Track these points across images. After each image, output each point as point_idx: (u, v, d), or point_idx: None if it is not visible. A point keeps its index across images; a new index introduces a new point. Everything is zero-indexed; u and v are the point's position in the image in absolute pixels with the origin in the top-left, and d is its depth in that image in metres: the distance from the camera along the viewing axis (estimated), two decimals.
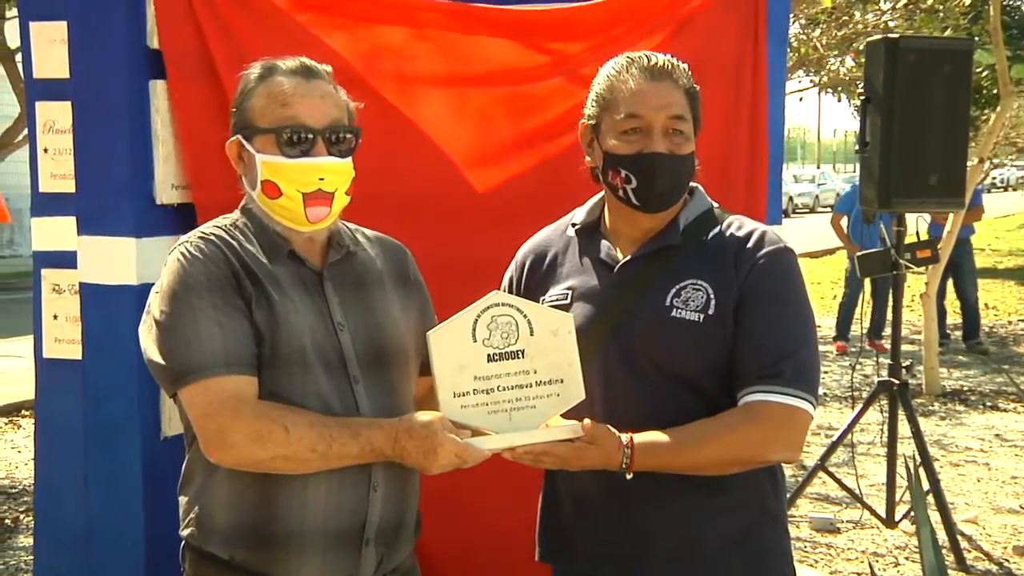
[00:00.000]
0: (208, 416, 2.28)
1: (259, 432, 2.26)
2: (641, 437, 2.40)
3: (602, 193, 2.68)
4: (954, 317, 12.77)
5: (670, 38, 3.49)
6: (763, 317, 2.46)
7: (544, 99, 3.59)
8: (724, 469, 2.46)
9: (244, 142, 2.46)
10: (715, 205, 2.65)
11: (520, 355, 2.36)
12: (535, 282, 2.71)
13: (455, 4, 3.73)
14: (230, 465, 2.33)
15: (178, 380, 2.31)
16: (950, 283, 12.11)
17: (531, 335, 2.37)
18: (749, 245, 2.53)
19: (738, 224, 2.60)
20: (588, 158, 2.64)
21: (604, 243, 2.64)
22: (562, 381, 2.39)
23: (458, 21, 3.62)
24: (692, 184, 2.63)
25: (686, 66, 2.57)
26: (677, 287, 2.50)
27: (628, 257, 2.59)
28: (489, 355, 2.35)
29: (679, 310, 2.48)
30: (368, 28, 3.55)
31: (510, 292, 2.68)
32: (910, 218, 6.51)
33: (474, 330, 2.34)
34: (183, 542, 2.49)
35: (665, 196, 2.54)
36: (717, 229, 2.58)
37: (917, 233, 7.19)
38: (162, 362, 2.32)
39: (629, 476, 2.39)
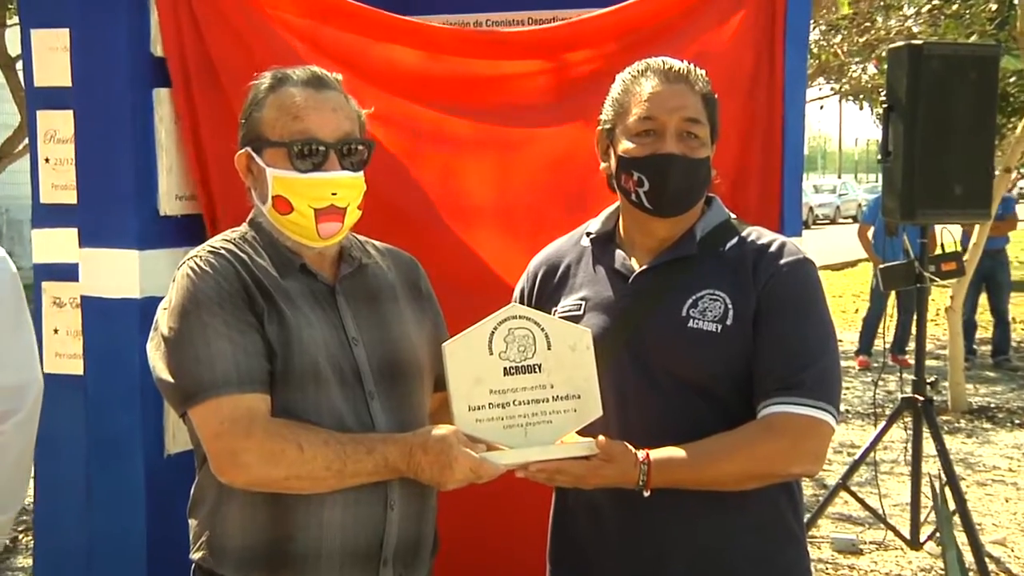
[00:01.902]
0: (220, 436, 2.29)
1: (272, 451, 2.27)
2: (658, 453, 2.41)
3: (618, 203, 2.70)
4: (983, 332, 12.73)
5: (685, 46, 3.49)
6: (782, 327, 2.48)
7: (561, 142, 3.61)
8: (744, 484, 2.47)
9: (254, 155, 2.47)
10: (733, 216, 2.67)
11: (537, 369, 2.38)
12: (547, 293, 2.73)
13: (468, 30, 3.76)
14: (243, 486, 2.34)
15: (189, 399, 2.32)
16: (983, 297, 12.09)
17: (548, 349, 2.39)
18: (768, 255, 2.55)
19: (757, 234, 2.62)
20: (603, 164, 2.66)
21: (619, 253, 2.66)
22: (579, 397, 2.41)
23: (471, 47, 3.64)
24: (709, 195, 2.66)
25: (704, 72, 2.60)
26: (694, 297, 2.52)
27: (643, 267, 2.60)
28: (505, 368, 2.37)
29: (696, 321, 2.50)
30: (382, 47, 3.57)
31: (521, 303, 2.69)
32: (940, 229, 6.50)
33: (490, 343, 2.36)
34: (193, 565, 2.49)
35: (678, 199, 2.56)
36: (735, 239, 2.61)
37: (943, 245, 7.18)
38: (172, 380, 2.34)
39: (647, 494, 2.41)
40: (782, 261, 2.54)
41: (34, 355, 2.83)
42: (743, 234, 2.62)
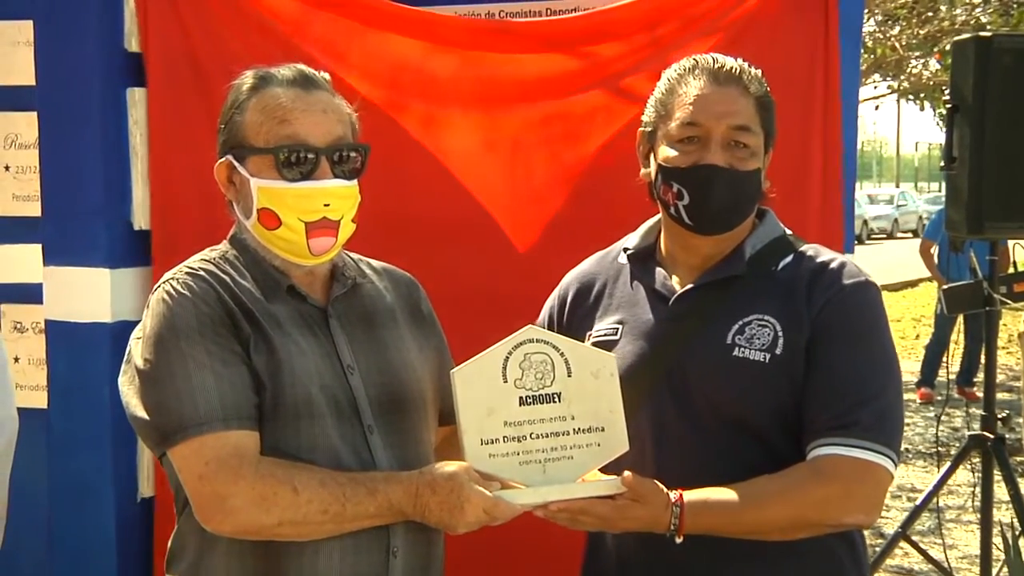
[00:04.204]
0: (204, 478, 2.30)
1: (263, 494, 2.28)
2: (692, 495, 2.40)
3: (659, 216, 2.71)
4: None
5: (726, 41, 3.51)
6: (838, 358, 2.48)
7: (581, 118, 3.63)
8: (789, 534, 2.46)
9: (235, 164, 2.47)
10: (788, 232, 2.67)
11: (556, 399, 2.39)
12: (579, 316, 2.74)
13: (478, 20, 3.78)
14: (230, 534, 2.34)
15: (168, 438, 2.32)
16: None
17: (568, 376, 2.40)
18: (824, 276, 2.55)
19: (813, 253, 2.62)
20: (643, 171, 2.67)
21: (659, 271, 2.67)
22: (603, 429, 2.41)
23: (482, 38, 3.67)
24: (763, 208, 2.66)
25: (760, 72, 2.60)
26: (740, 323, 2.53)
27: (685, 287, 2.61)
28: (521, 398, 2.37)
29: (742, 349, 2.50)
30: (383, 37, 3.60)
31: (550, 327, 2.71)
32: (1012, 245, 6.45)
33: (505, 369, 2.37)
34: None
35: (721, 216, 2.56)
36: (789, 258, 2.61)
37: (1015, 263, 7.15)
38: (148, 418, 2.34)
39: (679, 540, 2.40)
40: (840, 284, 2.53)
41: (8, 390, 2.84)
42: (799, 252, 2.61)
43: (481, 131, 3.65)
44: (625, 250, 2.75)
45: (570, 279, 2.82)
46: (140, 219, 3.40)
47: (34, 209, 3.54)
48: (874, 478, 2.43)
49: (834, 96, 3.59)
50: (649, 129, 2.63)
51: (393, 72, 3.60)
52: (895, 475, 2.49)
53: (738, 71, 2.56)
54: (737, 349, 2.50)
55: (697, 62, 2.59)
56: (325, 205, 2.43)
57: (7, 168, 3.72)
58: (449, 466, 2.34)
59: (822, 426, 2.44)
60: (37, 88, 3.45)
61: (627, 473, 2.38)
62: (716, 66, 2.56)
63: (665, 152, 2.56)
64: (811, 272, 2.56)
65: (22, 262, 3.62)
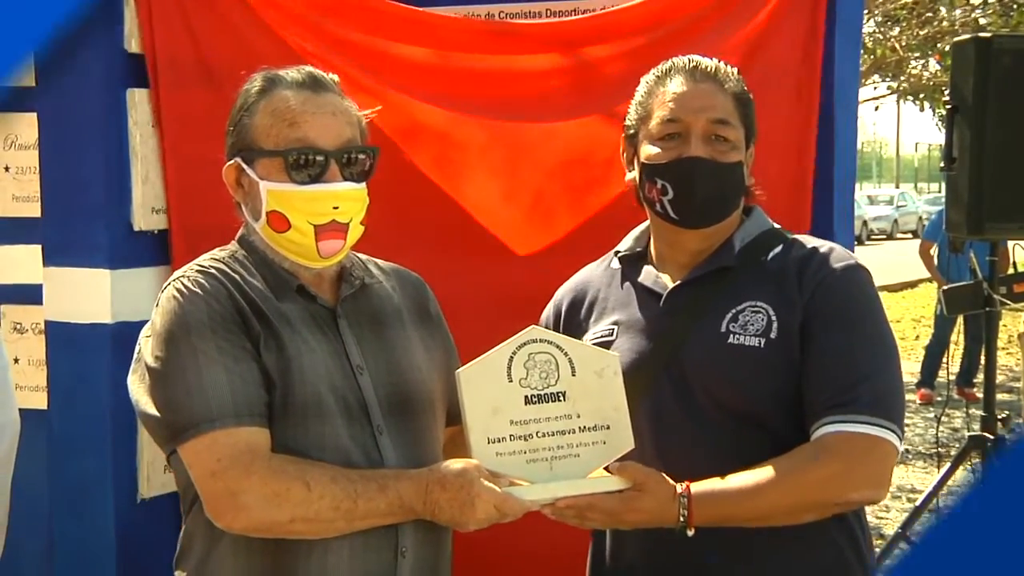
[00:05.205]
0: (216, 475, 2.31)
1: (276, 491, 2.29)
2: (699, 485, 2.43)
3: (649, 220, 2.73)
4: None
5: (721, 41, 3.52)
6: (833, 338, 2.51)
7: (584, 141, 3.65)
8: (798, 516, 2.48)
9: (244, 166, 2.49)
10: (777, 226, 2.71)
11: (561, 397, 2.42)
12: (575, 323, 2.77)
13: (481, 21, 3.80)
14: (241, 531, 2.35)
15: (179, 435, 2.34)
16: None
17: (573, 375, 2.43)
18: (815, 261, 2.59)
19: (803, 241, 2.67)
20: (629, 175, 2.71)
21: (650, 269, 2.71)
22: (608, 427, 2.45)
23: (481, 41, 3.68)
24: (750, 205, 2.70)
25: (737, 70, 2.66)
26: (734, 311, 2.57)
27: (677, 283, 2.64)
28: (527, 397, 2.41)
29: (737, 336, 2.54)
30: (389, 44, 3.62)
31: None
32: (1012, 246, 6.46)
33: (509, 369, 2.40)
34: None
35: (706, 208, 2.61)
36: (779, 248, 2.65)
37: (1015, 263, 7.16)
38: (159, 415, 2.37)
39: (690, 532, 2.42)
40: (830, 267, 2.58)
41: (9, 393, 2.85)
42: (788, 243, 2.66)
43: (484, 135, 3.67)
44: (616, 253, 2.79)
45: (564, 291, 2.86)
46: (140, 220, 3.41)
47: (34, 210, 3.54)
48: (879, 451, 2.46)
49: (814, 97, 3.59)
50: (631, 132, 2.69)
51: (400, 75, 3.62)
52: (894, 476, 2.49)
53: (713, 69, 2.63)
54: (732, 336, 2.54)
55: (673, 63, 2.66)
56: (334, 208, 2.45)
57: (7, 169, 3.72)
58: (458, 463, 2.36)
59: (822, 406, 2.47)
60: (37, 89, 3.45)
61: (616, 464, 2.41)
62: (691, 65, 2.63)
63: (647, 150, 2.62)
64: (800, 258, 2.61)
65: (22, 263, 3.61)
